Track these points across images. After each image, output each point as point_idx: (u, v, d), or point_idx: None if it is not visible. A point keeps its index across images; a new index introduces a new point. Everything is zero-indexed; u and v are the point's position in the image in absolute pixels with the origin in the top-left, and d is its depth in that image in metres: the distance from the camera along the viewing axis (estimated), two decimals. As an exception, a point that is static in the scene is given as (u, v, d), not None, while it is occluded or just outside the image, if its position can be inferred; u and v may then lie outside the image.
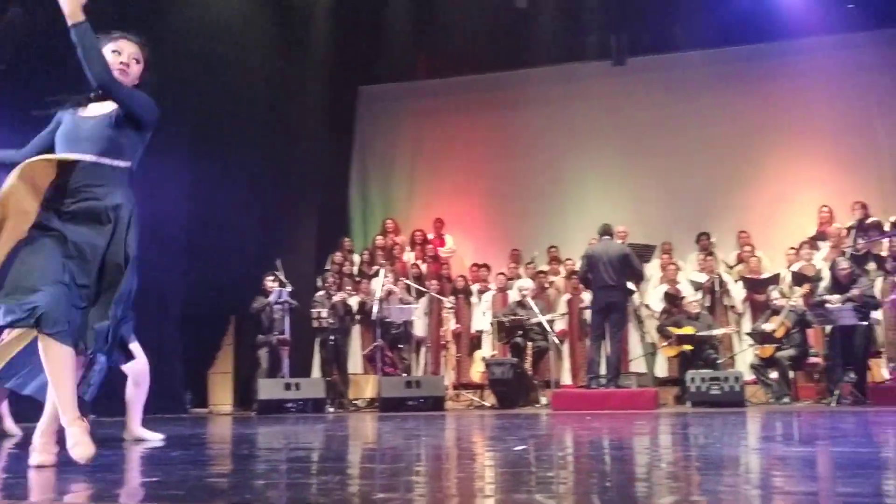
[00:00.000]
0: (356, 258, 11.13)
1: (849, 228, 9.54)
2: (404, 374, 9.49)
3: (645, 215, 10.99)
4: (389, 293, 9.75)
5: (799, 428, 5.29)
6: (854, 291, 8.00)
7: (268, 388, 8.81)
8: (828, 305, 8.11)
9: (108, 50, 3.29)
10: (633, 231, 10.14)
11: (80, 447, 3.05)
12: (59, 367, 3.01)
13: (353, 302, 9.97)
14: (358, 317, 9.99)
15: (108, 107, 3.28)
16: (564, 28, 11.41)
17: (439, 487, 2.74)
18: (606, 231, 8.78)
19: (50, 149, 3.28)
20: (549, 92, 12.07)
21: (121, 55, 3.32)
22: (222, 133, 9.64)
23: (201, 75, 9.21)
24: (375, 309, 9.39)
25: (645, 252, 9.73)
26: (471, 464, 3.43)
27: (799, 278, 9.02)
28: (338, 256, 10.79)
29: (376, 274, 10.27)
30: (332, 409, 9.06)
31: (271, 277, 9.31)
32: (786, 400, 8.26)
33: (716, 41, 11.23)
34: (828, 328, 8.33)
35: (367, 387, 9.94)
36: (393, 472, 3.16)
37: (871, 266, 8.73)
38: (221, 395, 9.98)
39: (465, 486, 2.76)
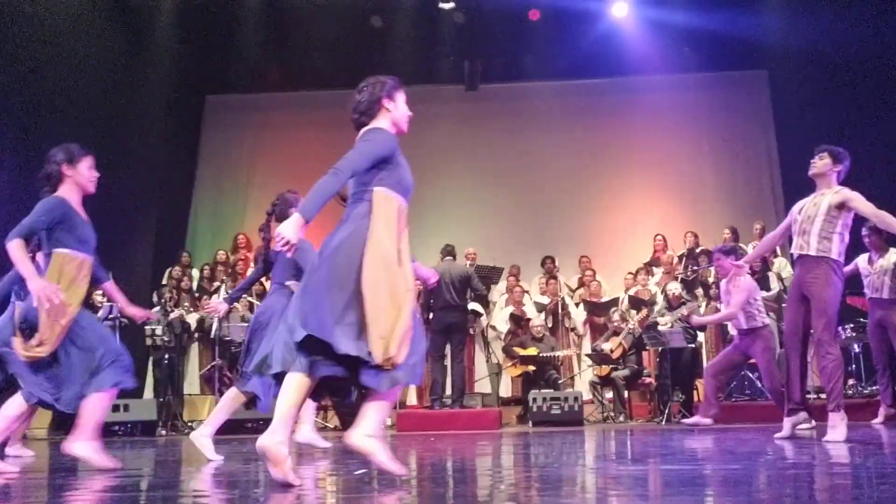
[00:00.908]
0: (195, 273, 10.63)
1: (680, 256, 10.12)
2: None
3: (493, 238, 11.21)
4: (230, 310, 9.39)
5: (632, 446, 5.49)
6: (683, 310, 8.49)
7: (93, 411, 8.20)
8: (660, 328, 8.55)
9: (404, 101, 3.56)
10: (482, 253, 10.29)
11: None
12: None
13: (192, 319, 9.53)
14: (196, 335, 9.56)
15: None
16: (418, 50, 11.50)
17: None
18: (449, 252, 8.84)
19: None
20: (400, 112, 12.09)
21: None
22: (51, 135, 8.97)
23: (29, 76, 8.56)
24: (215, 327, 9.06)
25: (493, 274, 9.90)
26: (311, 489, 3.29)
27: (635, 302, 9.46)
28: (176, 271, 10.28)
29: (217, 290, 9.87)
30: (164, 432, 8.58)
31: (100, 291, 8.71)
32: (621, 418, 8.61)
33: (565, 73, 11.71)
34: (660, 350, 8.76)
35: (203, 408, 9.47)
36: (229, 499, 2.98)
37: (699, 291, 9.32)
38: (38, 417, 9.17)
39: (299, 513, 2.62)
